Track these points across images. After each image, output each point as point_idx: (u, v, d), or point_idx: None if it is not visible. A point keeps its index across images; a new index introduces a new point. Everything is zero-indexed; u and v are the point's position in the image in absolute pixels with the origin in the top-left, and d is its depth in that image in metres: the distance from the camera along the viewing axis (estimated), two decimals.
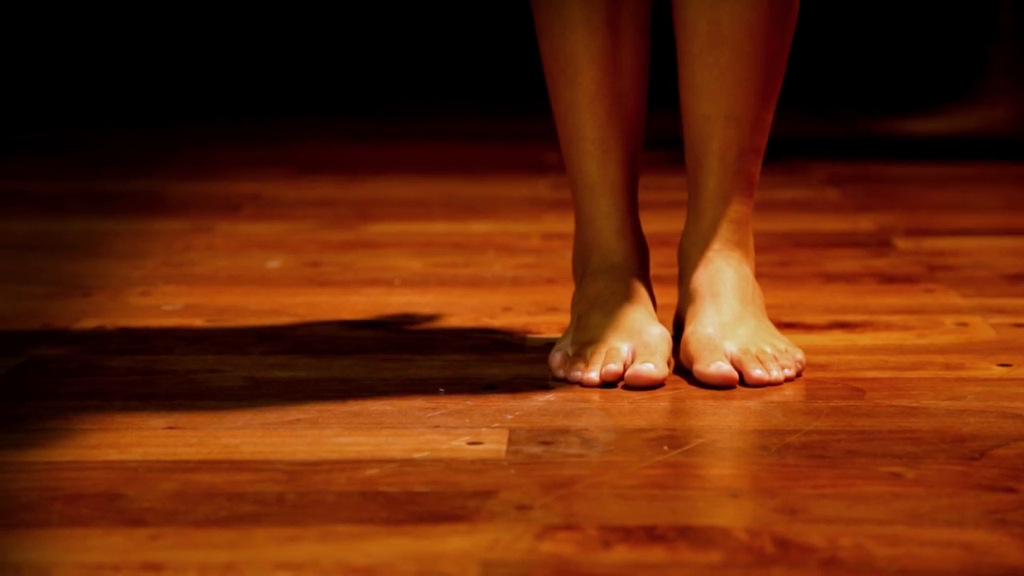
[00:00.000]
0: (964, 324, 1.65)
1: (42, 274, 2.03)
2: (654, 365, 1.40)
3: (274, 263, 2.06)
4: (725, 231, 1.48)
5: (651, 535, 1.04)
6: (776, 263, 2.01)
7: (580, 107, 1.49)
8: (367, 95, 4.66)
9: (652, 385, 1.40)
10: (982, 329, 1.63)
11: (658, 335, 1.44)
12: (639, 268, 1.51)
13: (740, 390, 1.40)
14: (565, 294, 1.69)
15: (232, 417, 1.32)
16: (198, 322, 1.69)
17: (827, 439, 1.25)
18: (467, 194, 2.70)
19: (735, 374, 1.40)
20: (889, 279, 1.91)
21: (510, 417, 1.32)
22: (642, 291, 1.49)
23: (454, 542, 1.03)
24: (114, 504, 1.11)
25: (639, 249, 1.52)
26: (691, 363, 1.42)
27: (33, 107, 4.40)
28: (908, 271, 1.95)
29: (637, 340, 1.43)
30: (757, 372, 1.41)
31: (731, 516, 1.09)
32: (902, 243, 2.15)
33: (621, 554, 1.01)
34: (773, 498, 1.11)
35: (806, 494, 1.12)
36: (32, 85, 4.68)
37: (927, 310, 1.72)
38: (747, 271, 1.49)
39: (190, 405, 1.36)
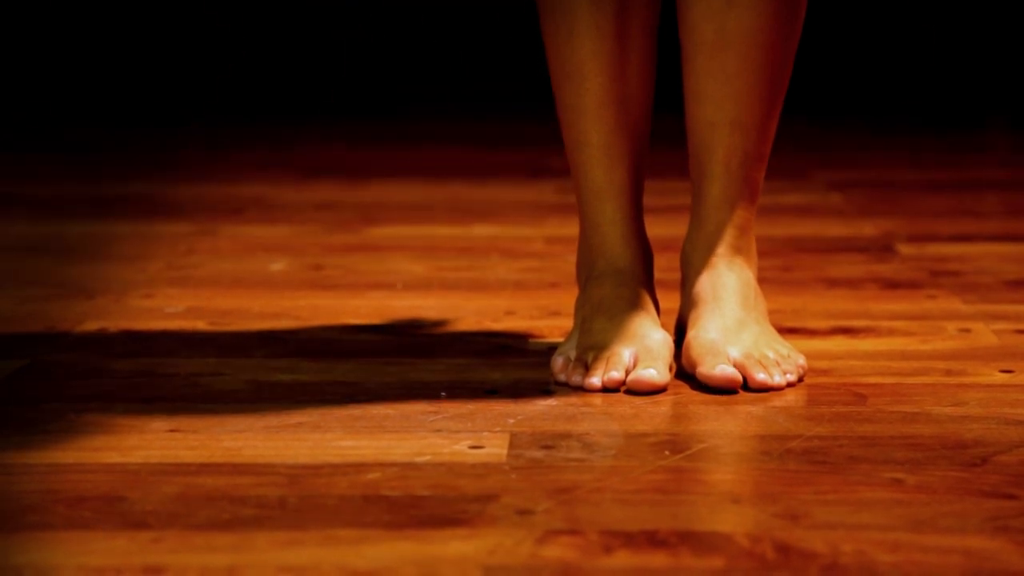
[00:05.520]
0: (966, 330, 1.65)
1: (45, 276, 2.03)
2: (656, 371, 1.40)
3: (277, 266, 2.06)
4: (728, 237, 1.48)
5: (653, 540, 1.04)
6: (779, 268, 2.01)
7: (587, 113, 1.48)
8: (371, 98, 4.66)
9: (654, 390, 1.39)
10: (984, 335, 1.62)
11: (660, 340, 1.44)
12: (644, 273, 1.51)
13: (742, 395, 1.40)
14: (568, 298, 1.69)
15: (234, 420, 1.32)
16: (201, 325, 1.69)
17: (829, 444, 1.25)
18: (470, 198, 2.70)
19: (739, 376, 1.40)
20: (892, 284, 1.91)
21: (512, 421, 1.32)
22: (646, 297, 1.49)
23: (455, 546, 1.03)
24: (116, 507, 1.11)
25: (644, 254, 1.52)
26: (694, 367, 1.42)
27: (36, 109, 4.40)
28: (911, 277, 1.95)
29: (640, 345, 1.43)
30: (760, 376, 1.41)
31: (733, 521, 1.09)
32: (905, 248, 2.14)
33: (623, 559, 1.01)
34: (775, 503, 1.11)
35: (808, 500, 1.12)
36: (35, 86, 4.68)
37: (929, 316, 1.72)
38: (750, 276, 1.49)
39: (192, 408, 1.36)
